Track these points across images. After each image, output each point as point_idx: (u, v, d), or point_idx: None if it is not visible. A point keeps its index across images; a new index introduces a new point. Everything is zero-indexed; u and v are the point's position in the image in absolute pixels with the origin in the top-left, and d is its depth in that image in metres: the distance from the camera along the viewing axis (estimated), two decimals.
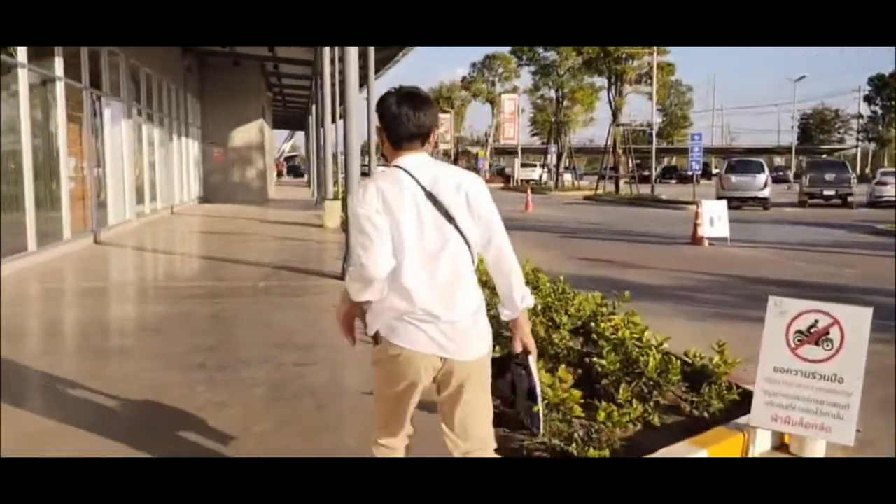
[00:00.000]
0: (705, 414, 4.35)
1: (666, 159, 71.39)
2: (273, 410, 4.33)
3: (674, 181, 56.26)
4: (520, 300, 2.55)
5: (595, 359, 4.64)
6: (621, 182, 37.55)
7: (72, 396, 4.62)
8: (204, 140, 25.62)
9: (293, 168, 73.71)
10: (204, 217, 19.58)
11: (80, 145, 12.74)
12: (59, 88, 11.21)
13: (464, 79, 64.83)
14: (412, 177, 2.43)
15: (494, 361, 2.59)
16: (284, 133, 71.22)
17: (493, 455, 2.58)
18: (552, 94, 46.48)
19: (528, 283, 6.83)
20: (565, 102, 45.11)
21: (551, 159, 46.46)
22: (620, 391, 4.22)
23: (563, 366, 4.41)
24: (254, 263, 10.09)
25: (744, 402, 4.27)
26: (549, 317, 5.47)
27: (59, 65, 11.15)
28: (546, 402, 3.93)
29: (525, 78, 53.54)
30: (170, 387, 4.71)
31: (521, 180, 51.92)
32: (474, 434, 2.52)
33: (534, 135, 66.89)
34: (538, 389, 2.62)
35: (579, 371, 4.85)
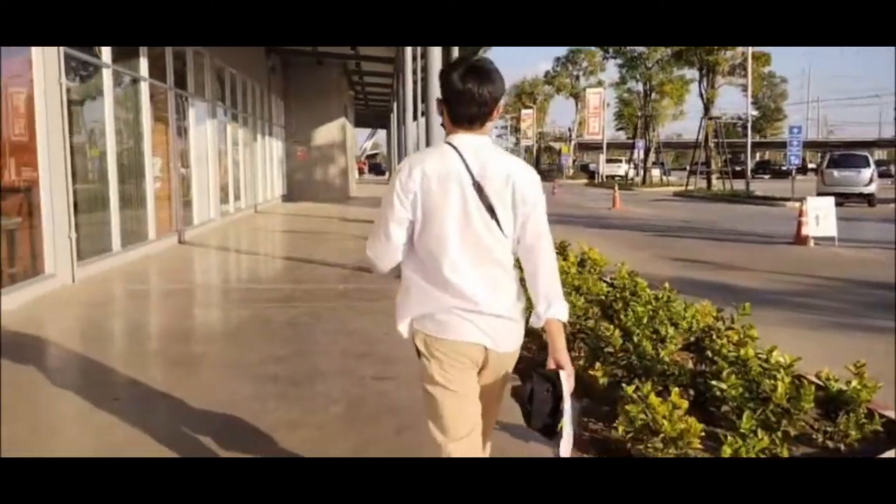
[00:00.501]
0: (841, 446, 3.80)
1: (758, 154, 68.53)
2: (349, 433, 3.93)
3: (767, 176, 53.92)
4: (544, 308, 2.39)
5: (713, 381, 4.06)
6: (713, 177, 35.99)
7: (139, 407, 4.35)
8: (287, 139, 25.82)
9: (374, 166, 74.22)
10: (286, 216, 19.62)
11: (166, 145, 12.80)
12: (144, 89, 11.22)
13: (547, 73, 63.99)
14: (463, 161, 2.31)
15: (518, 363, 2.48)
16: (366, 131, 71.80)
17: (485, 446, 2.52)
18: (639, 87, 45.05)
19: (624, 287, 6.36)
20: (653, 95, 43.61)
21: (638, 154, 45.01)
22: (744, 419, 3.64)
23: (675, 389, 3.84)
24: (333, 264, 9.80)
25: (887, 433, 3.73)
26: (653, 328, 4.89)
27: (143, 65, 11.16)
28: (662, 435, 3.39)
29: (611, 71, 52.36)
30: (241, 401, 4.38)
31: (607, 176, 50.75)
32: (486, 423, 2.48)
33: (619, 129, 65.30)
34: (566, 410, 2.31)
35: (691, 392, 4.29)
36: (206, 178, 15.16)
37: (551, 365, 2.38)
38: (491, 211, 2.30)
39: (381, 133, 62.31)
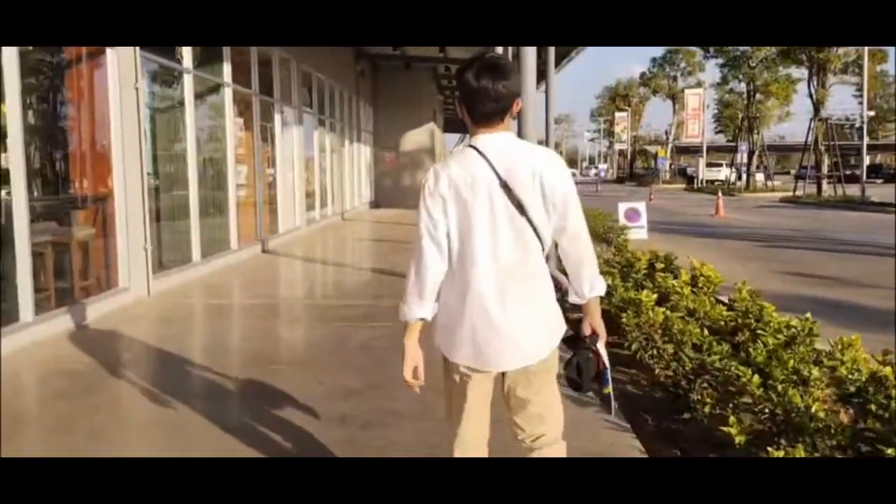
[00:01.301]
0: None
1: (868, 157, 64.34)
2: None
3: (880, 180, 50.41)
4: (588, 289, 2.45)
5: (880, 445, 3.18)
6: (823, 182, 33.65)
7: (189, 438, 3.82)
8: (376, 145, 25.56)
9: None
10: (373, 223, 19.21)
11: (251, 152, 12.54)
12: (228, 94, 10.94)
13: (642, 75, 61.94)
14: (488, 162, 2.31)
15: (563, 342, 2.49)
16: (454, 137, 71.49)
17: (562, 444, 2.54)
18: (742, 87, 42.81)
19: (747, 312, 5.45)
20: (757, 96, 41.33)
21: (741, 158, 42.67)
22: None
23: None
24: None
25: None
26: (795, 369, 4.01)
27: (227, 71, 10.89)
28: None
29: (711, 71, 50.17)
30: (302, 445, 3.79)
31: (706, 181, 48.61)
32: (548, 423, 2.49)
33: (717, 132, 62.62)
34: (609, 372, 2.53)
35: (849, 454, 3.41)
36: (291, 185, 14.88)
37: (587, 331, 2.50)
38: (521, 210, 2.29)
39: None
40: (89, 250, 7.58)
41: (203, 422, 4.18)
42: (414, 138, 25.67)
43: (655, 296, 5.74)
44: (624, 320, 5.33)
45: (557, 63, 25.73)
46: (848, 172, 34.30)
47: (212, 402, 4.68)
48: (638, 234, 13.81)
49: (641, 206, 14.36)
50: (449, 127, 46.64)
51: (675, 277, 6.77)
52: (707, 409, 3.92)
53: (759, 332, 4.75)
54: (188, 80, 9.42)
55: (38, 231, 6.45)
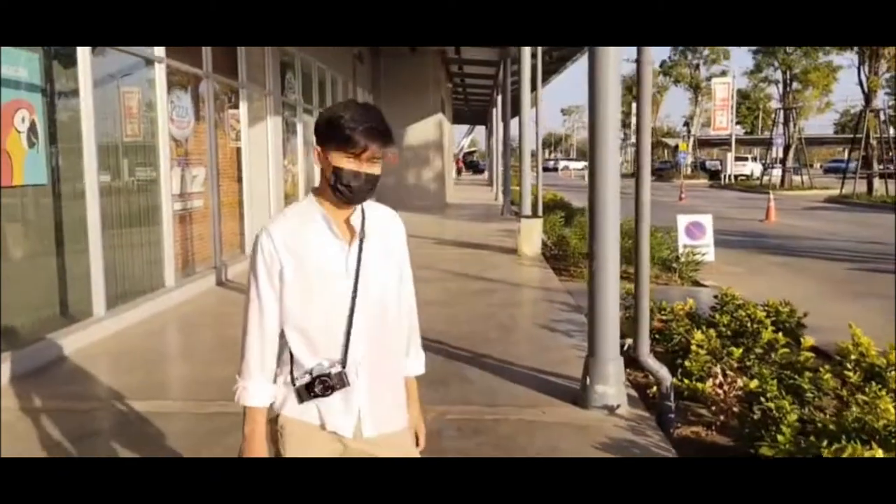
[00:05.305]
0: None
1: None
2: None
3: None
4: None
5: None
6: (875, 180, 30.35)
7: None
8: None
9: (471, 164, 70.86)
10: None
11: (211, 151, 9.57)
12: (160, 73, 7.96)
13: (662, 63, 58.52)
14: None
15: None
16: (462, 129, 68.55)
17: None
18: (776, 75, 39.48)
19: None
20: (794, 85, 38.01)
21: (776, 152, 39.33)
22: None
23: None
24: (432, 342, 6.13)
25: None
26: None
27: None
28: None
29: (741, 58, 46.83)
30: None
31: (734, 176, 45.47)
32: None
33: (737, 123, 59.25)
34: None
35: None
36: (266, 189, 11.88)
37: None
38: None
39: (478, 130, 58.95)
40: None
41: None
42: (420, 131, 22.64)
43: None
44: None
45: (570, 56, 22.93)
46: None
47: None
48: (703, 254, 10.82)
49: (706, 220, 11.35)
50: (457, 118, 43.43)
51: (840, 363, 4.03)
52: None
53: None
54: (83, 49, 6.43)
55: None
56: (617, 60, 4.57)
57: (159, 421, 4.57)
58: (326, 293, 2.09)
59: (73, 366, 5.72)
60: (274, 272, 2.08)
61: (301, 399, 2.10)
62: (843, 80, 35.10)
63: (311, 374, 2.09)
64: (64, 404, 4.91)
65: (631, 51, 5.15)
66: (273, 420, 2.15)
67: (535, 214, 12.57)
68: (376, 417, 2.15)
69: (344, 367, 2.09)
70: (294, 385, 2.11)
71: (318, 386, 2.07)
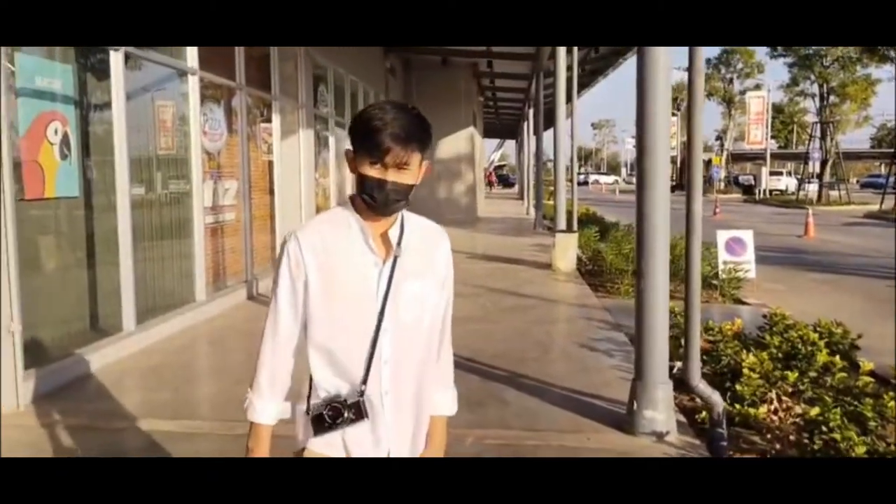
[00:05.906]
0: None
1: None
2: None
3: None
4: None
5: None
6: None
7: None
8: None
9: (502, 178, 70.70)
10: None
11: (242, 164, 9.49)
12: (194, 85, 7.90)
13: None
14: None
15: None
16: (493, 143, 68.32)
17: None
18: (813, 88, 38.75)
19: None
20: (832, 98, 37.28)
21: (813, 167, 38.57)
22: None
23: None
24: (466, 360, 5.94)
25: None
26: None
27: (191, 53, 7.85)
28: None
29: (775, 72, 46.26)
30: None
31: (770, 191, 44.71)
32: None
33: (771, 137, 58.35)
34: None
35: None
36: (298, 201, 11.79)
37: None
38: None
39: (507, 144, 58.69)
40: None
41: None
42: (451, 144, 22.46)
43: None
44: None
45: (609, 64, 22.75)
46: None
47: None
48: (746, 271, 10.48)
49: (747, 236, 10.99)
50: (488, 132, 43.30)
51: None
52: None
53: None
54: (116, 61, 6.36)
55: None
56: (668, 63, 4.34)
57: (185, 443, 4.41)
58: (350, 311, 1.89)
59: (101, 382, 5.60)
60: (298, 281, 1.89)
61: (315, 431, 1.91)
62: (880, 94, 34.28)
63: (325, 401, 1.89)
64: (90, 422, 4.79)
65: (680, 59, 4.90)
66: (298, 454, 1.98)
67: (570, 229, 12.31)
68: (405, 454, 1.98)
69: (362, 395, 1.89)
70: (308, 414, 1.92)
71: (329, 412, 1.87)
